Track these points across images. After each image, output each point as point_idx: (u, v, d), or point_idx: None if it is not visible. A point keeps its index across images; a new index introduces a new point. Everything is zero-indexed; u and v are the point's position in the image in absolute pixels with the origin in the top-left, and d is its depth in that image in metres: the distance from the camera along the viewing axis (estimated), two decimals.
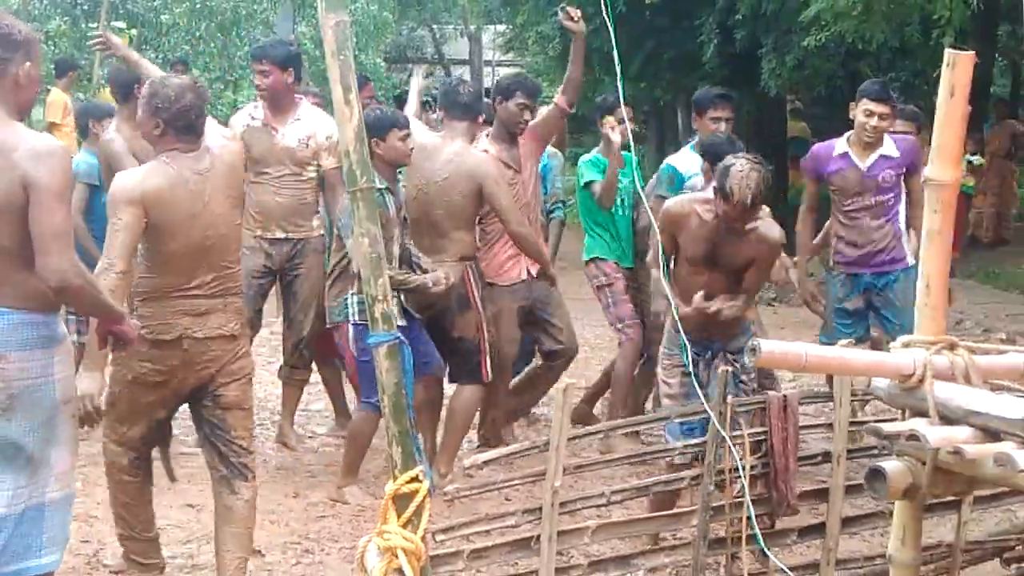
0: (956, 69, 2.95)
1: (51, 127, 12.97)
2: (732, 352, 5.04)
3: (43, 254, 3.51)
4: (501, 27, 26.40)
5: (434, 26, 37.92)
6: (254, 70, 6.76)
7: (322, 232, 6.71)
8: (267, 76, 6.52)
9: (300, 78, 6.82)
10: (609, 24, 4.48)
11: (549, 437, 3.91)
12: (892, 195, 6.40)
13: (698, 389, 4.70)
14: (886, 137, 6.38)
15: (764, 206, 4.93)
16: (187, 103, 4.34)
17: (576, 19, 6.91)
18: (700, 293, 4.93)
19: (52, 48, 16.19)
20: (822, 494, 4.52)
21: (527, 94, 6.51)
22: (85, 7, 15.92)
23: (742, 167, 4.73)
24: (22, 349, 3.59)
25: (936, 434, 2.81)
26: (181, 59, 14.98)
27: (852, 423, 4.49)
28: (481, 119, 6.65)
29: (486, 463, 3.90)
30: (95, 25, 14.89)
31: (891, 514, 4.64)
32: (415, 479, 3.50)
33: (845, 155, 6.42)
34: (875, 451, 4.81)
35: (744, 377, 4.97)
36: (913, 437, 2.81)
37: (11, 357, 3.57)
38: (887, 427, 2.91)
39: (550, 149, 7.42)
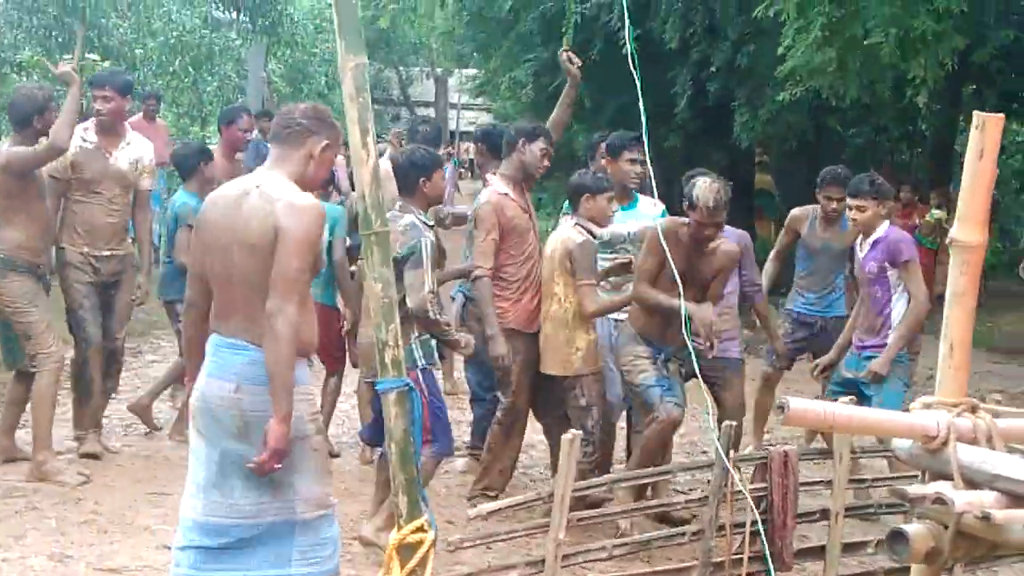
0: (985, 131, 2.94)
1: None
2: (678, 356, 5.79)
3: (271, 291, 3.75)
4: (470, 71, 26.55)
5: (401, 68, 38.11)
6: (95, 96, 7.04)
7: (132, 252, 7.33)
8: (109, 102, 6.90)
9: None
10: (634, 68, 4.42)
11: (553, 489, 3.87)
12: (877, 287, 6.31)
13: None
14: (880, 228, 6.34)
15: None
16: None
17: (576, 63, 6.87)
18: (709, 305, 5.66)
19: (24, 79, 16.08)
20: (818, 552, 4.49)
21: (548, 140, 6.51)
22: (60, 39, 15.78)
23: (705, 180, 5.56)
24: (255, 384, 3.82)
25: (962, 498, 2.77)
26: (153, 93, 14.88)
27: (851, 480, 4.48)
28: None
29: (490, 514, 3.84)
30: (69, 56, 14.84)
31: (886, 573, 4.70)
32: (420, 529, 3.45)
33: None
34: (871, 509, 4.83)
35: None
36: (939, 500, 2.78)
37: (245, 389, 3.84)
38: (911, 489, 2.87)
39: None
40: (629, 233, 6.49)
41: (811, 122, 14.89)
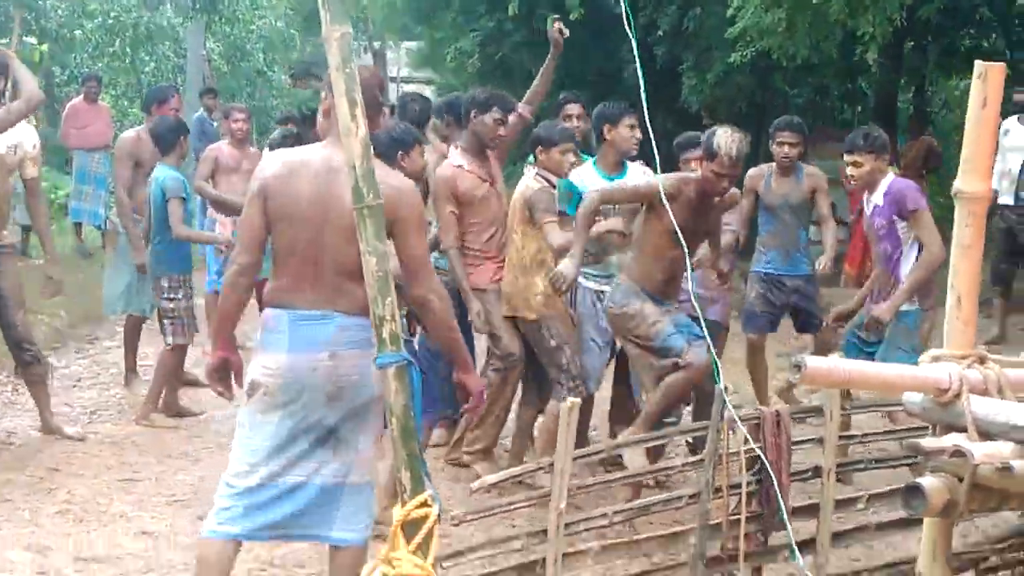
0: (988, 80, 2.94)
1: None
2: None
3: (413, 278, 3.97)
4: (410, 44, 26.34)
5: None
6: None
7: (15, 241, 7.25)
8: None
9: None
10: (630, 32, 4.36)
11: (554, 458, 3.84)
12: (886, 243, 6.20)
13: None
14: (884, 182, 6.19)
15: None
16: None
17: (564, 34, 6.89)
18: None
19: None
20: (813, 510, 4.50)
21: (503, 108, 6.43)
22: None
23: (726, 130, 5.44)
24: (349, 348, 3.92)
25: (980, 450, 2.78)
26: (94, 75, 14.61)
27: (841, 437, 4.49)
28: None
29: (492, 486, 3.81)
30: (6, 40, 14.53)
31: (877, 527, 4.73)
32: (424, 504, 3.41)
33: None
34: (861, 465, 4.86)
35: None
36: (958, 453, 2.78)
37: (341, 355, 3.91)
38: (927, 443, 2.88)
39: None
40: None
41: (758, 84, 14.92)
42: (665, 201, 4.90)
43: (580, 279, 6.26)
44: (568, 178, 6.37)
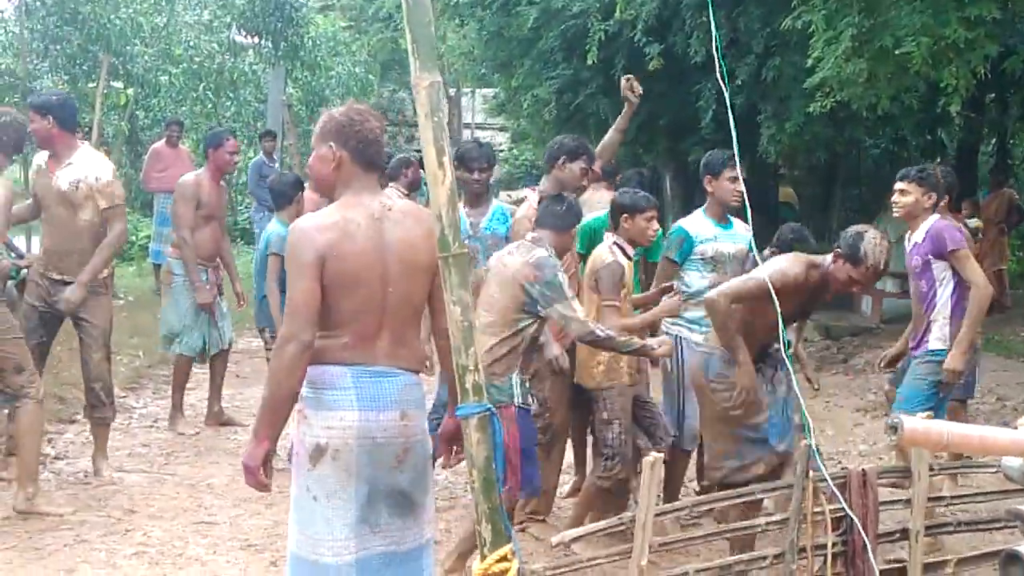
0: None
1: None
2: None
3: (444, 313, 3.66)
4: (487, 91, 26.50)
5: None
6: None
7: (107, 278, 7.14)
8: (32, 122, 6.78)
9: (69, 126, 6.89)
10: (723, 83, 4.33)
11: (636, 514, 3.77)
12: (922, 281, 6.26)
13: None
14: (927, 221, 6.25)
15: None
16: None
17: (637, 91, 6.88)
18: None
19: None
20: (900, 572, 4.38)
21: (592, 159, 6.46)
22: (84, 67, 15.79)
23: (875, 235, 5.17)
24: (417, 408, 3.91)
25: None
26: (176, 120, 14.85)
27: (930, 499, 4.37)
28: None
29: (574, 540, 3.75)
30: (94, 85, 14.87)
31: None
32: (504, 558, 3.36)
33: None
34: (950, 528, 4.73)
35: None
36: None
37: (410, 413, 3.86)
38: None
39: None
40: (729, 254, 6.45)
41: (836, 134, 14.79)
42: (775, 299, 4.69)
43: (685, 331, 6.25)
44: (680, 224, 6.53)
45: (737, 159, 4.59)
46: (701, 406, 5.65)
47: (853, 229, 5.25)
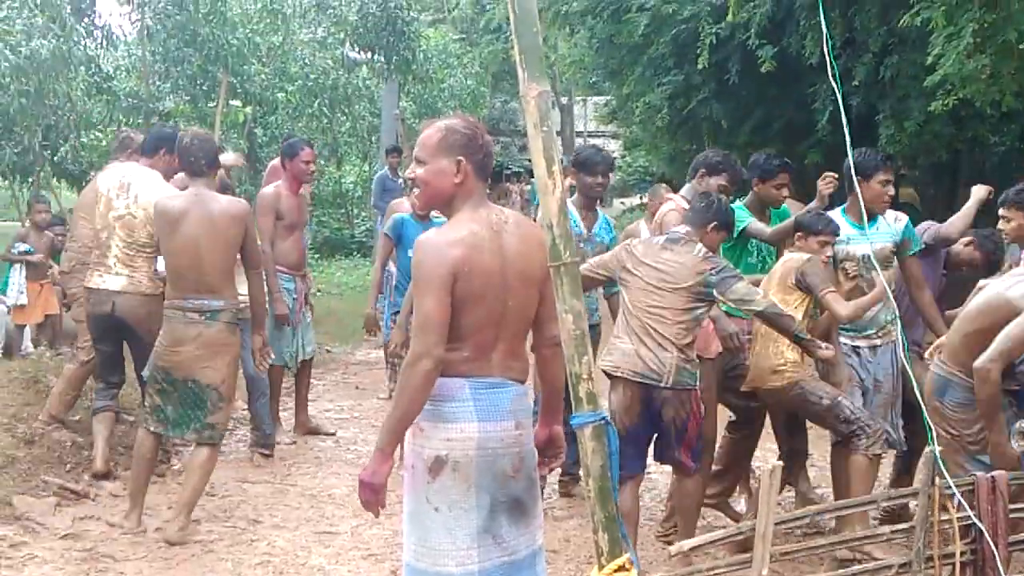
0: None
1: None
2: None
3: (552, 321, 3.77)
4: (598, 98, 26.53)
5: None
6: None
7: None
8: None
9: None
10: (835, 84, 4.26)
11: (755, 523, 3.72)
12: None
13: None
14: None
15: None
16: None
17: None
18: None
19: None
20: None
21: (733, 176, 6.65)
22: (204, 87, 16.19)
23: None
24: (527, 417, 3.93)
25: None
26: (288, 137, 15.11)
27: None
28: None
29: (692, 550, 3.71)
30: (213, 104, 15.22)
31: None
32: (622, 568, 3.34)
33: None
34: None
35: None
36: None
37: (523, 423, 3.89)
38: None
39: None
40: (863, 256, 6.19)
41: (957, 132, 14.42)
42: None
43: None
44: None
45: (851, 159, 4.48)
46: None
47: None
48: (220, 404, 6.27)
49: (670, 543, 6.21)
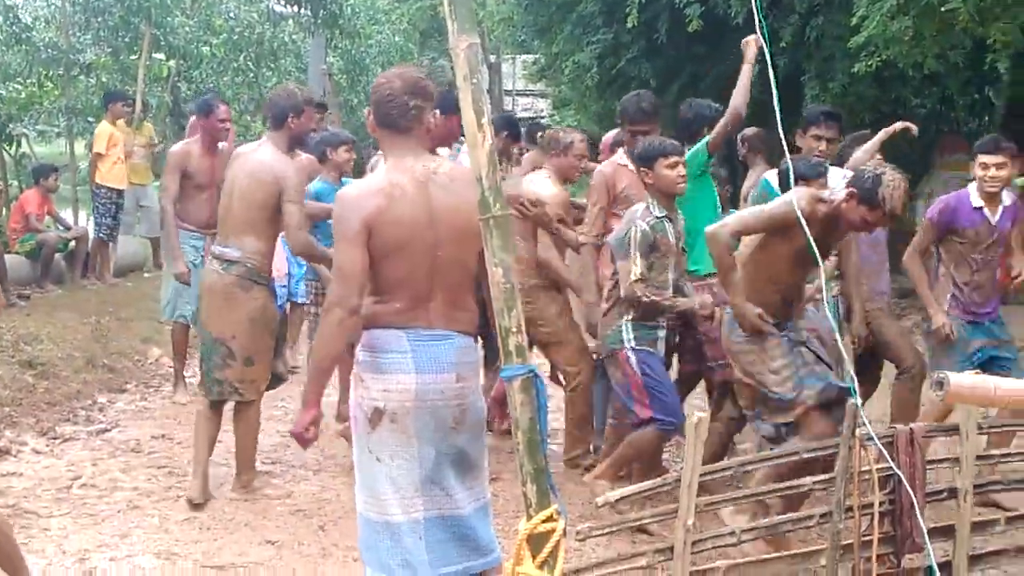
0: None
1: (96, 158, 12.92)
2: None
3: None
4: (527, 57, 26.42)
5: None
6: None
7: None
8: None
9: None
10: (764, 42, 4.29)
11: (680, 474, 3.77)
12: (1001, 248, 6.51)
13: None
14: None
15: None
16: None
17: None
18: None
19: (93, 80, 16.21)
20: (948, 532, 4.36)
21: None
22: (126, 39, 15.83)
23: (892, 177, 4.93)
24: (472, 370, 3.97)
25: None
26: (214, 91, 14.89)
27: (978, 457, 4.34)
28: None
29: (618, 501, 3.76)
30: (135, 57, 14.94)
31: (1017, 550, 4.56)
32: (550, 518, 3.36)
33: (980, 209, 6.41)
34: (1000, 486, 4.69)
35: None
36: None
37: (465, 376, 3.91)
38: None
39: None
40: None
41: (881, 94, 14.59)
42: (803, 222, 4.62)
43: None
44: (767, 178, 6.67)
45: (779, 116, 4.51)
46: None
47: (871, 170, 5.05)
48: (230, 362, 6.14)
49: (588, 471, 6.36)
